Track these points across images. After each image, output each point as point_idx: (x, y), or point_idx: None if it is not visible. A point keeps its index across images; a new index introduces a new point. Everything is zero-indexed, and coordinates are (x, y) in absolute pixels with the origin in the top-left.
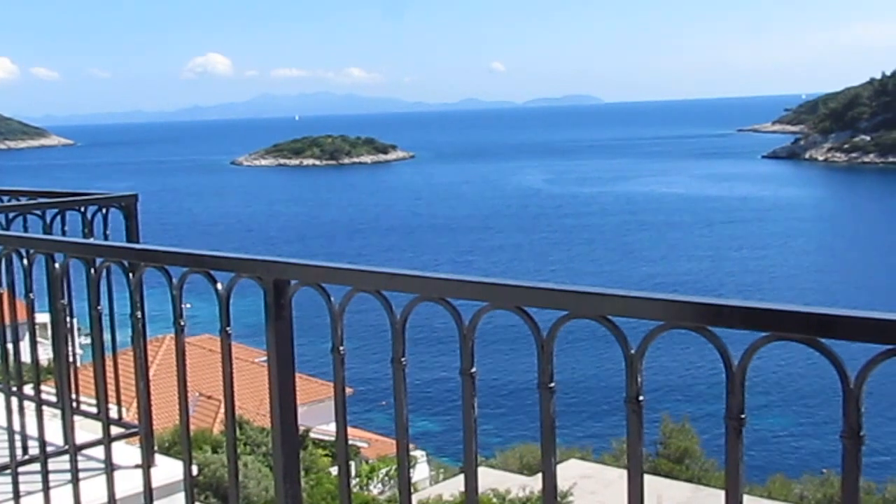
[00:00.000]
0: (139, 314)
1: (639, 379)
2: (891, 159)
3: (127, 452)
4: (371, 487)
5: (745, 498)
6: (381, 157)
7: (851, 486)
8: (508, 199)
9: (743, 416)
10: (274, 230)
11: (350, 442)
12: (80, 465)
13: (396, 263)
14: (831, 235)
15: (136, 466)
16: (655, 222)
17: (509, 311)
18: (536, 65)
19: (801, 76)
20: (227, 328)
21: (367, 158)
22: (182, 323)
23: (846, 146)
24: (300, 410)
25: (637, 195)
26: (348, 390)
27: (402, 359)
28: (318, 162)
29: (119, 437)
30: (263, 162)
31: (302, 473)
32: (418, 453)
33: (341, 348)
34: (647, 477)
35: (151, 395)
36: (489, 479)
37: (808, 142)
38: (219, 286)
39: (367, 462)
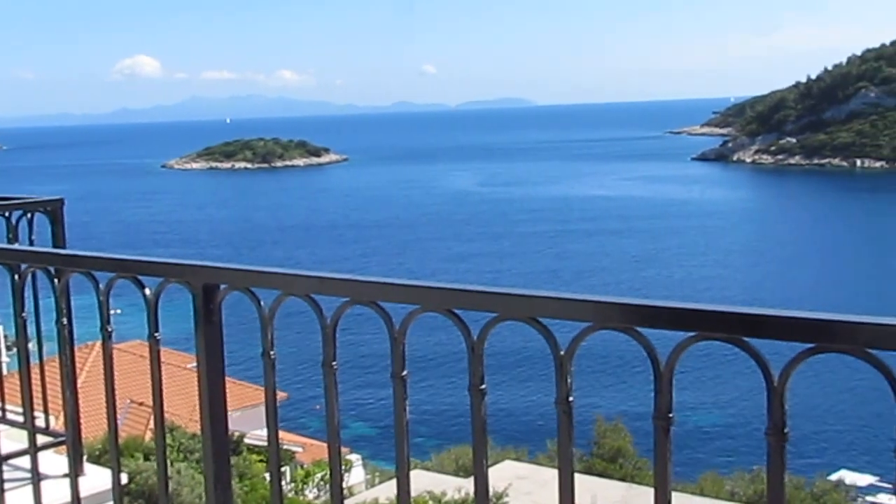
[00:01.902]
0: (65, 321)
1: (568, 380)
2: (816, 161)
3: (55, 462)
4: (306, 492)
5: (677, 495)
6: (314, 160)
7: (777, 482)
8: (441, 202)
9: (671, 415)
10: (204, 234)
11: (284, 447)
12: (7, 475)
13: (327, 267)
14: (758, 236)
15: (64, 476)
16: (586, 225)
17: (440, 313)
18: (468, 67)
19: (729, 79)
20: (156, 334)
21: (300, 161)
22: (110, 329)
23: (773, 148)
24: (233, 416)
25: (568, 198)
26: (282, 395)
27: (334, 363)
28: (250, 165)
29: (46, 447)
30: (194, 165)
31: (235, 479)
32: (354, 457)
33: (272, 353)
34: (581, 476)
35: (81, 402)
36: (425, 481)
37: (736, 144)
38: (147, 291)
39: (301, 467)
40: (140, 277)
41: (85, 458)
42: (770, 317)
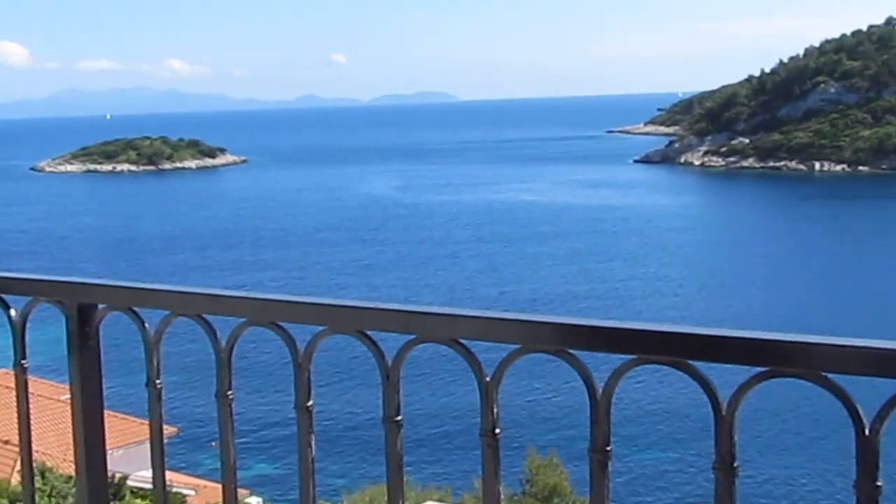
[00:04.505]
0: None
1: (495, 409)
2: (770, 163)
3: None
4: None
5: None
6: (208, 161)
7: None
8: (351, 209)
9: (609, 448)
10: (78, 246)
11: (174, 489)
12: None
13: (220, 283)
14: (707, 247)
15: None
16: (514, 234)
17: (349, 335)
18: (384, 58)
19: (676, 73)
20: (23, 361)
21: (192, 163)
22: None
23: (723, 149)
24: (116, 454)
25: (494, 204)
26: (170, 429)
27: (229, 392)
28: (134, 167)
29: None
30: (69, 168)
31: None
32: (253, 500)
33: (158, 382)
34: None
35: None
36: None
37: (683, 145)
38: (12, 312)
39: None
40: (3, 297)
41: None
42: (717, 337)
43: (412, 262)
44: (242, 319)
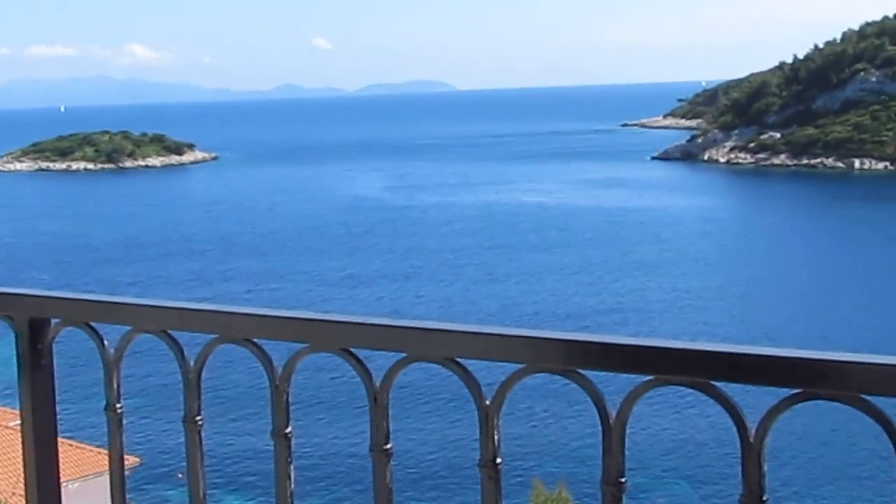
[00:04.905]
0: None
1: (495, 436)
2: (805, 161)
3: None
4: None
5: None
6: (175, 158)
7: None
8: (334, 213)
9: (623, 479)
10: (30, 254)
11: None
12: None
13: (188, 296)
14: (733, 256)
15: None
16: (517, 241)
17: (333, 354)
18: (371, 43)
19: (698, 59)
20: None
21: (157, 161)
22: None
23: (752, 145)
24: (72, 487)
25: (495, 206)
26: (132, 459)
27: (198, 418)
28: (91, 165)
29: None
30: (18, 166)
31: None
32: None
33: (118, 406)
34: None
35: None
36: None
37: (707, 140)
38: None
39: None
40: None
41: None
42: (744, 356)
43: (403, 272)
44: (213, 336)
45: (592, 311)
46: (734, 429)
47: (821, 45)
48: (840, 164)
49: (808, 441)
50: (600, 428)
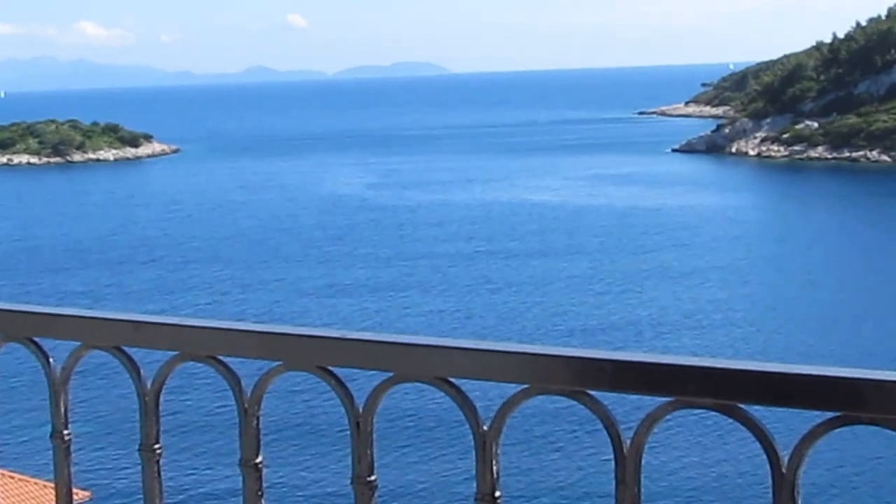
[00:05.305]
0: None
1: (494, 466)
2: (845, 154)
3: None
4: None
5: None
6: (130, 151)
7: None
8: (310, 213)
9: None
10: None
11: None
12: None
13: (144, 308)
14: (765, 261)
15: None
16: (518, 245)
17: (310, 373)
18: (354, 20)
19: (725, 39)
20: None
21: (110, 154)
22: None
23: (786, 136)
24: None
25: (494, 206)
26: (82, 493)
27: (156, 446)
28: (35, 159)
29: None
30: None
31: None
32: None
33: (66, 433)
34: None
35: None
36: None
37: (735, 129)
38: None
39: None
40: None
41: None
42: (775, 375)
43: (388, 280)
44: (173, 353)
45: (603, 324)
46: (764, 457)
47: (863, 23)
48: (885, 158)
49: (846, 469)
50: (613, 456)
